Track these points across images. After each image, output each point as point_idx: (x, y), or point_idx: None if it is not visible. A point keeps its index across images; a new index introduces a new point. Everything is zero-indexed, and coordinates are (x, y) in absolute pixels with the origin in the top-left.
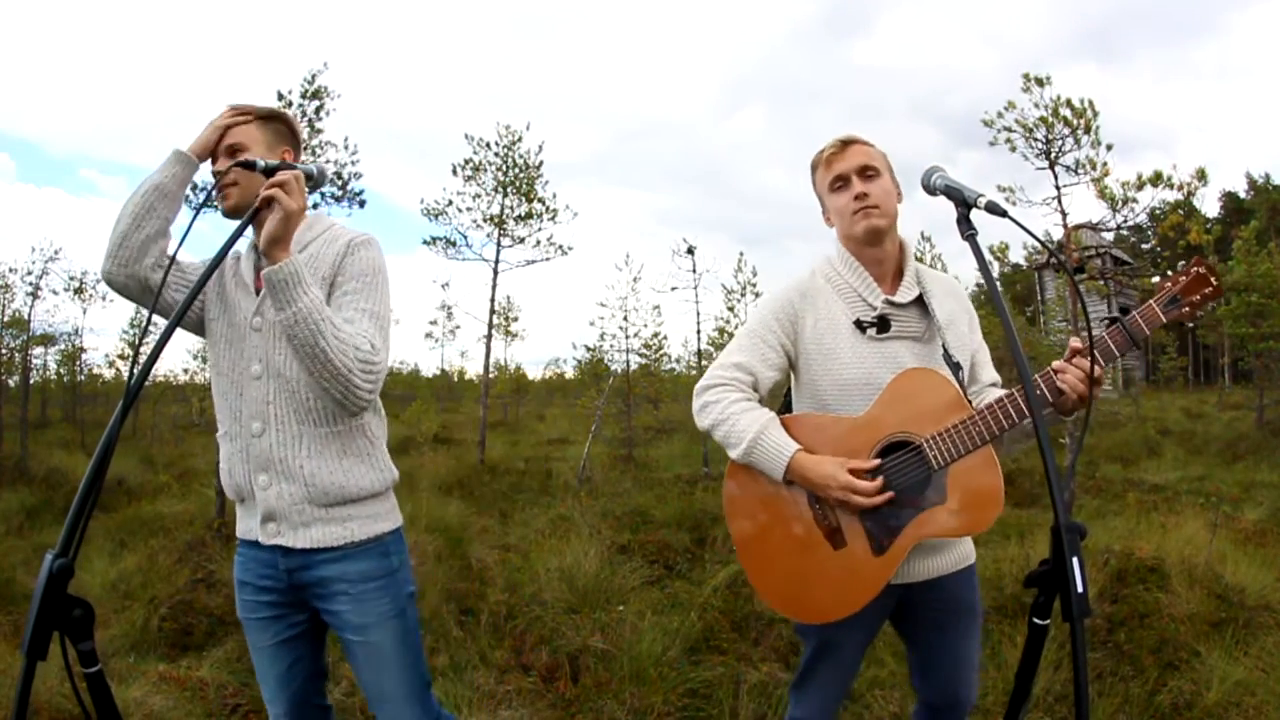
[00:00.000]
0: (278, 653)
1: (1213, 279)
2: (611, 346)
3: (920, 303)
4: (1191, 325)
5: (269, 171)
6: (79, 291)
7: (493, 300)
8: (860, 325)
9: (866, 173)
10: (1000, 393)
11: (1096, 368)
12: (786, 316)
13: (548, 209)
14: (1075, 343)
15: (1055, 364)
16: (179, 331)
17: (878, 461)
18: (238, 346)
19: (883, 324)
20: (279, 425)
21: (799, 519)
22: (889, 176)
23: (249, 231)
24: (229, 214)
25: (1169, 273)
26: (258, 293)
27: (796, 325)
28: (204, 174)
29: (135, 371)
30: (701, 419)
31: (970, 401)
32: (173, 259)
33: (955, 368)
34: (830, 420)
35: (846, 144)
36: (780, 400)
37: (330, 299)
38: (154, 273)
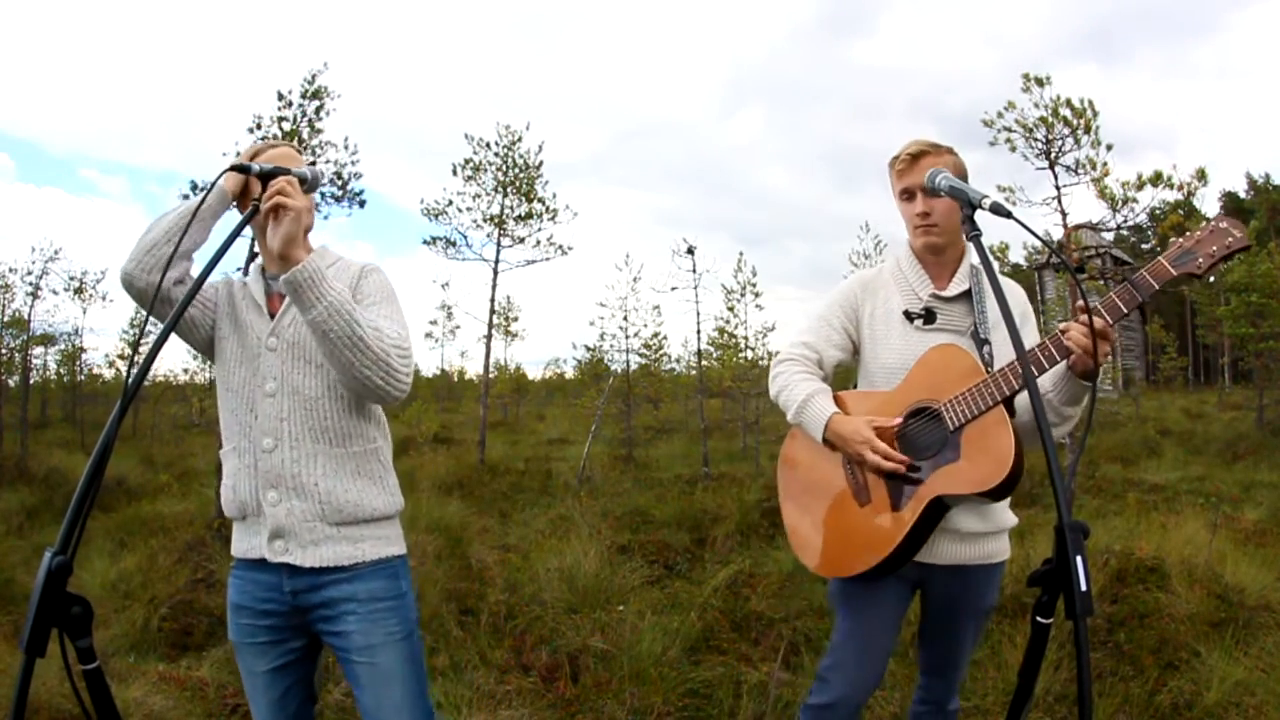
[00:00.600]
0: (273, 679)
1: (1235, 231)
2: (611, 346)
3: (969, 299)
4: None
5: (264, 177)
6: (79, 291)
7: (493, 300)
8: (909, 316)
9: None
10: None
11: (1099, 320)
12: (850, 304)
13: (548, 209)
14: (1080, 303)
15: (1062, 325)
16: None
17: (899, 421)
18: (250, 365)
19: (929, 316)
20: (293, 442)
21: (835, 479)
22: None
23: (254, 259)
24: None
25: (1186, 232)
26: (272, 316)
27: (858, 312)
28: (204, 175)
29: (133, 371)
30: (771, 387)
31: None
32: (175, 251)
33: (981, 343)
34: (872, 393)
35: (917, 157)
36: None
37: None
38: (175, 287)
